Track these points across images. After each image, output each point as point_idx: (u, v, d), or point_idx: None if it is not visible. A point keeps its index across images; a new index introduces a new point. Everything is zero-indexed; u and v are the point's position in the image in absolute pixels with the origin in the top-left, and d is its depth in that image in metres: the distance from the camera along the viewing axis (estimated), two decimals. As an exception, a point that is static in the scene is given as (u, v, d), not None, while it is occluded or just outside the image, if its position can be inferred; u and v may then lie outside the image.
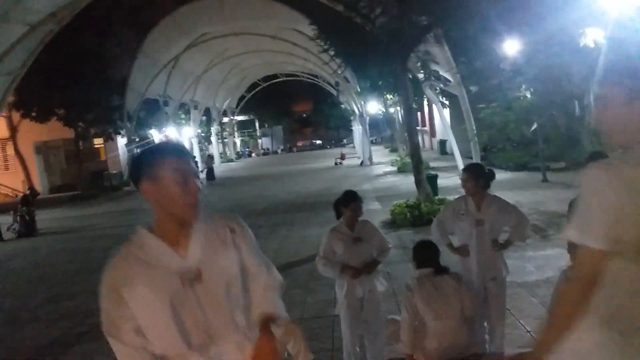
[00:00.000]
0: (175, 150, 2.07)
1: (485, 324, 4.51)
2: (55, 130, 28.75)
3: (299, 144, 65.48)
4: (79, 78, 24.50)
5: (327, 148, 57.38)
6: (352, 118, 39.50)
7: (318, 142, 64.12)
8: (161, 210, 2.04)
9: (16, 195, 32.14)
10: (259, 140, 65.46)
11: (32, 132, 30.64)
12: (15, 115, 29.70)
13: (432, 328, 3.79)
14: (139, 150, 2.16)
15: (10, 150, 33.18)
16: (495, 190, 4.79)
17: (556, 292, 3.75)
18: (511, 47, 13.70)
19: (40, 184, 32.04)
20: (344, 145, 53.23)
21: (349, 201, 4.61)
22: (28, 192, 17.73)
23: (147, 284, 1.99)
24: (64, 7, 17.66)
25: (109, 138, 30.24)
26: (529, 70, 14.16)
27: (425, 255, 4.05)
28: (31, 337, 6.82)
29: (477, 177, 4.47)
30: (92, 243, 13.95)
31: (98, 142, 33.78)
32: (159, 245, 2.04)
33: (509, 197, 4.70)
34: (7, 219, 16.73)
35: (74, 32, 22.48)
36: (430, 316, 3.78)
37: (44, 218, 16.43)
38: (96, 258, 11.77)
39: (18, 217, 16.44)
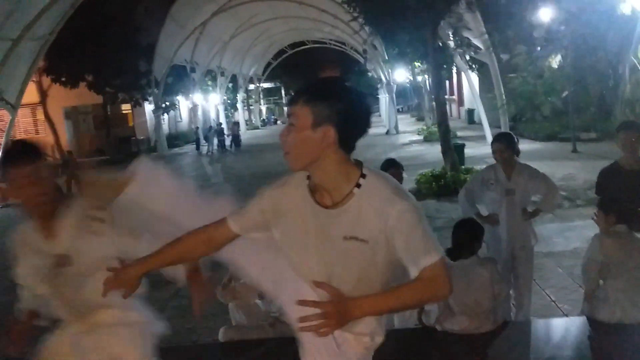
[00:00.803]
0: (17, 157, 2.24)
1: (511, 292, 4.50)
2: (84, 96, 29.05)
3: None
4: (107, 44, 24.62)
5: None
6: (378, 86, 39.10)
7: None
8: (25, 206, 2.34)
9: (46, 159, 32.78)
10: (285, 108, 65.41)
11: (61, 98, 31.02)
12: (45, 81, 30.07)
13: (457, 316, 3.70)
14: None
15: (40, 115, 33.70)
16: (524, 161, 4.72)
17: (586, 261, 3.71)
18: (545, 14, 13.33)
19: (69, 149, 32.60)
20: (370, 114, 52.83)
21: (386, 168, 4.54)
22: (67, 155, 18.05)
23: (26, 264, 2.37)
24: (93, -28, 17.65)
25: (137, 104, 30.46)
26: (563, 38, 13.78)
27: (463, 236, 3.79)
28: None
29: (509, 145, 4.39)
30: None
31: (126, 107, 34.05)
32: (32, 232, 2.37)
33: (538, 167, 4.61)
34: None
35: (103, -3, 22.57)
36: (458, 308, 3.67)
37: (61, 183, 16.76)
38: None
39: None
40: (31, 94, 29.74)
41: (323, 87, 1.88)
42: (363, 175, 1.92)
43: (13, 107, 19.80)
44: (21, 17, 17.18)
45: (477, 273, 3.68)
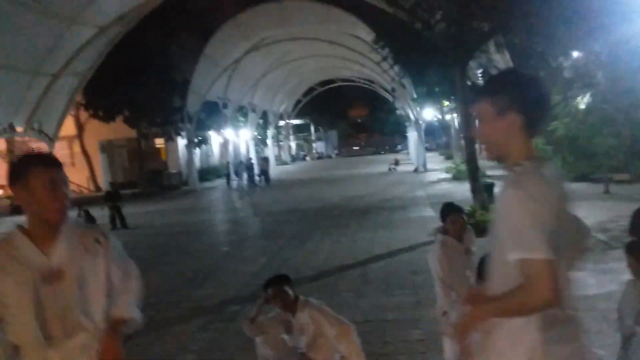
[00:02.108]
0: (44, 160, 2.28)
1: None
2: (119, 130, 29.83)
3: (344, 150, 66.02)
4: (143, 80, 25.39)
5: (380, 154, 57.16)
6: (407, 124, 39.22)
7: (368, 148, 64.24)
8: (32, 214, 2.25)
9: (81, 191, 33.52)
10: (314, 144, 65.85)
11: (97, 131, 31.92)
12: (82, 114, 30.99)
13: None
14: (14, 160, 2.36)
15: (76, 148, 34.62)
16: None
17: (620, 306, 3.64)
18: (577, 57, 13.34)
19: (103, 181, 33.28)
20: (398, 151, 52.89)
21: (445, 215, 4.46)
22: (110, 188, 18.21)
23: (13, 277, 2.20)
24: (132, 10, 18.35)
25: (170, 138, 31.12)
26: (601, 80, 13.70)
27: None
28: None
29: None
30: (150, 239, 14.42)
31: (159, 142, 34.81)
32: (27, 243, 2.24)
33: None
34: (72, 214, 17.39)
35: (140, 35, 23.32)
36: None
37: (104, 214, 17.04)
38: (153, 254, 12.19)
39: (82, 212, 17.10)
40: (68, 127, 30.67)
41: (497, 79, 2.09)
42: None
43: (51, 140, 20.40)
44: (61, 53, 17.87)
45: None
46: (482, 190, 12.91)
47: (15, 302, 2.22)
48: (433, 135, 46.32)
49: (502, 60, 14.33)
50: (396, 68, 16.67)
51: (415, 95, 27.62)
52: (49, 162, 2.27)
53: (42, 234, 2.27)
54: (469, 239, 4.51)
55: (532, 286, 1.79)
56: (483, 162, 13.48)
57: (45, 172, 2.22)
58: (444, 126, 34.37)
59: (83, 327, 2.30)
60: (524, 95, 1.91)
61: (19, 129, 18.90)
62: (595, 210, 12.31)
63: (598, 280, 7.18)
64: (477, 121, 2.04)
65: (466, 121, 14.00)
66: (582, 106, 15.55)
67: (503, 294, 1.90)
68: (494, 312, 1.96)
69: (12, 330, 2.25)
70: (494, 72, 14.22)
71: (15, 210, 23.17)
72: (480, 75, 14.70)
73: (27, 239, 2.25)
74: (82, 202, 18.69)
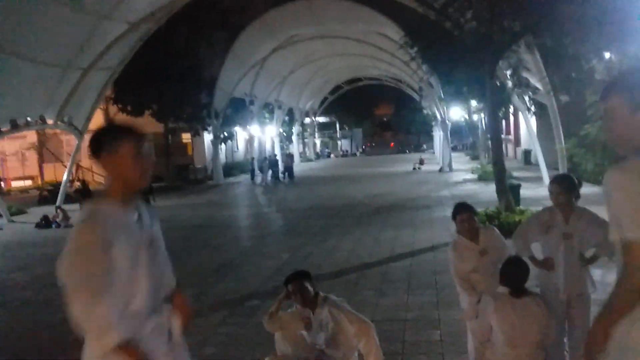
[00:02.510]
0: (132, 131, 2.42)
1: (565, 340, 4.33)
2: (146, 124, 30.06)
3: (368, 148, 65.88)
4: (171, 76, 25.67)
5: (406, 152, 56.85)
6: (433, 123, 38.95)
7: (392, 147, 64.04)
8: (117, 181, 2.34)
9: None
10: (339, 142, 65.81)
11: (125, 125, 32.38)
12: (111, 108, 31.47)
13: (502, 351, 3.59)
14: (97, 130, 2.48)
15: (105, 142, 35.16)
16: (582, 205, 4.59)
17: None
18: (610, 58, 13.05)
19: (130, 174, 33.77)
20: (423, 151, 52.56)
21: (454, 215, 4.56)
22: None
23: (123, 247, 2.30)
24: (162, 8, 18.54)
25: (196, 134, 31.41)
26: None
27: (511, 274, 3.74)
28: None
29: (569, 189, 4.27)
30: (175, 232, 14.54)
31: (186, 137, 35.16)
32: (124, 214, 2.37)
33: (597, 212, 4.49)
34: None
35: (169, 32, 23.59)
36: (503, 342, 3.57)
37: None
38: (177, 247, 12.31)
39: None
40: (98, 120, 31.08)
41: (632, 75, 2.05)
42: None
43: (80, 133, 20.77)
44: (92, 49, 18.16)
45: (524, 304, 3.61)
46: (508, 192, 12.75)
47: (129, 269, 2.33)
48: (459, 135, 45.92)
49: (532, 61, 14.10)
50: (424, 67, 16.51)
51: (442, 95, 27.40)
52: (137, 133, 2.43)
53: (122, 201, 2.39)
54: (487, 239, 4.50)
55: (632, 267, 1.86)
56: (510, 163, 13.32)
57: (134, 141, 2.36)
58: (470, 126, 34.01)
59: (171, 287, 2.61)
60: None
61: (50, 121, 19.28)
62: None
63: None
64: (606, 118, 1.99)
65: (494, 122, 13.84)
66: None
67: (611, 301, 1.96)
68: (609, 323, 1.96)
69: (129, 298, 2.37)
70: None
71: (44, 200, 23.69)
72: (509, 75, 14.48)
73: (122, 208, 2.38)
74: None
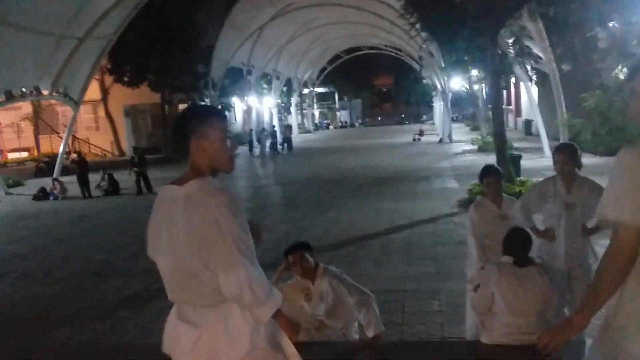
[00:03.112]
0: (220, 113, 2.39)
1: (565, 311, 4.30)
2: (143, 95, 29.92)
3: (368, 119, 65.64)
4: (168, 45, 25.29)
5: (405, 123, 56.60)
6: (433, 94, 38.65)
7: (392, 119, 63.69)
8: (204, 164, 2.26)
9: (105, 156, 33.91)
10: (338, 113, 65.42)
11: (121, 96, 32.07)
12: (107, 79, 31.14)
13: (504, 320, 3.56)
14: (184, 112, 2.40)
15: (101, 112, 34.92)
16: (584, 175, 4.51)
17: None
18: (613, 27, 12.84)
19: (127, 146, 33.62)
20: (423, 122, 52.29)
21: (482, 177, 4.52)
22: (138, 151, 17.54)
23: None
24: (157, -26, 18.14)
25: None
26: (636, 50, 13.18)
27: (515, 244, 3.69)
28: (114, 290, 7.19)
29: (572, 157, 4.19)
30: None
31: (183, 107, 34.81)
32: None
33: (598, 183, 4.41)
34: (96, 177, 17.49)
35: (165, 1, 23.18)
36: (505, 310, 3.55)
37: (127, 178, 17.18)
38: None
39: (106, 176, 17.25)
40: (93, 91, 30.93)
41: None
42: None
43: (76, 104, 20.57)
44: (86, 17, 17.85)
45: (527, 274, 3.57)
46: (509, 163, 12.66)
47: None
48: (460, 105, 45.60)
49: (535, 29, 13.88)
50: (424, 35, 16.25)
51: (443, 64, 27.09)
52: (223, 114, 2.40)
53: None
54: (507, 206, 4.48)
55: (611, 248, 1.85)
56: (510, 134, 13.21)
57: (221, 123, 2.30)
58: (471, 97, 33.75)
59: None
60: None
61: (45, 92, 19.05)
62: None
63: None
64: (632, 98, 1.92)
65: (495, 92, 13.67)
66: (621, 76, 15.05)
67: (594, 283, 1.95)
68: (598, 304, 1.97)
69: None
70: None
71: (40, 172, 23.59)
72: (511, 44, 14.27)
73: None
74: (106, 166, 18.88)
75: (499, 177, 4.55)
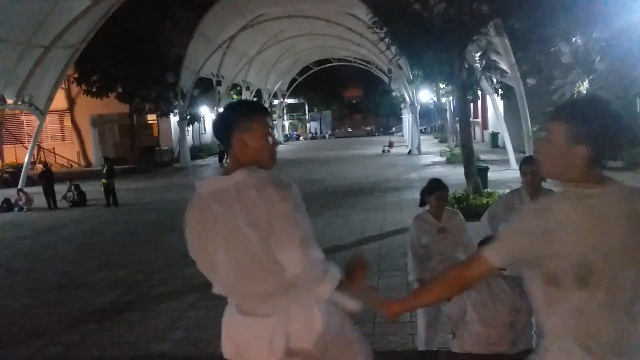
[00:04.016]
0: (264, 109, 2.39)
1: (533, 320, 4.39)
2: (110, 105, 29.50)
3: (338, 130, 66.02)
4: (136, 55, 25.05)
5: (375, 135, 57.04)
6: (402, 106, 39.07)
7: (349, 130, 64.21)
8: (246, 158, 2.22)
9: (71, 166, 33.30)
10: (308, 124, 65.56)
11: (88, 106, 31.57)
12: (74, 88, 30.64)
13: (475, 330, 3.61)
14: (229, 107, 2.41)
15: (67, 122, 34.32)
16: (547, 187, 4.64)
17: None
18: (576, 42, 13.23)
19: (94, 156, 33.08)
20: (392, 133, 52.78)
21: (433, 190, 4.55)
22: (107, 162, 17.09)
23: None
24: (126, -17, 18.01)
25: (163, 115, 30.83)
26: (600, 67, 13.60)
27: None
28: (81, 302, 7.06)
29: (538, 169, 4.32)
30: (142, 216, 14.33)
31: (151, 118, 34.51)
32: None
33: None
34: (62, 188, 17.17)
35: (134, 9, 22.96)
36: (476, 321, 3.59)
37: (96, 189, 16.91)
38: (144, 230, 12.12)
39: (72, 187, 16.95)
40: (59, 100, 30.43)
41: (582, 107, 1.91)
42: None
43: (42, 113, 20.18)
44: (53, 26, 17.57)
45: (498, 286, 3.61)
46: (476, 175, 12.89)
47: None
48: (428, 118, 46.22)
49: (501, 44, 14.20)
50: (393, 49, 16.47)
51: (411, 77, 27.46)
52: (267, 111, 2.40)
53: None
54: (448, 219, 4.58)
55: (461, 272, 1.96)
56: (477, 146, 13.45)
57: (265, 119, 2.28)
58: (439, 109, 34.25)
59: None
60: (595, 129, 1.79)
61: (10, 101, 18.65)
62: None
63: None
64: (544, 142, 1.90)
65: (462, 105, 13.93)
66: (583, 91, 15.48)
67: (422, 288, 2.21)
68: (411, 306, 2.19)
69: None
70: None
71: (4, 182, 23.04)
72: (478, 58, 14.58)
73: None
74: (73, 177, 18.54)
75: (447, 191, 4.68)
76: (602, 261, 1.72)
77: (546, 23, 12.06)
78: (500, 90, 18.52)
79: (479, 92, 27.28)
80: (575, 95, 15.63)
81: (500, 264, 1.90)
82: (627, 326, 1.80)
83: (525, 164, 4.45)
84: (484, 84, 17.26)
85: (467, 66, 14.57)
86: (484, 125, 33.66)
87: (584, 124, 1.79)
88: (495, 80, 17.03)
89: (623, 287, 1.76)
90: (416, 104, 30.26)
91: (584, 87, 14.87)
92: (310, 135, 61.64)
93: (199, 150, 34.88)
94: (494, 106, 19.26)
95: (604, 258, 1.72)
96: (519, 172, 4.58)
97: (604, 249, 1.72)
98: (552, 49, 13.63)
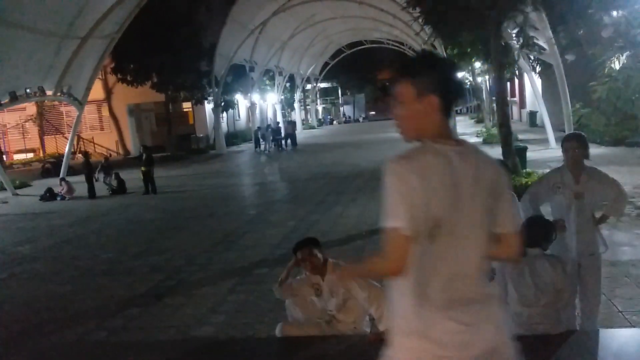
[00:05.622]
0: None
1: (577, 301, 4.30)
2: (146, 94, 29.93)
3: (371, 113, 65.42)
4: (171, 43, 25.29)
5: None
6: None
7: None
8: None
9: (110, 155, 34.01)
10: (341, 108, 65.34)
11: (125, 95, 32.09)
12: (110, 78, 31.16)
13: (516, 311, 3.56)
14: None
15: (105, 112, 34.98)
16: (590, 165, 4.51)
17: None
18: (617, 15, 12.78)
19: (132, 145, 33.69)
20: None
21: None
22: (145, 150, 17.34)
23: None
24: (159, -28, 18.13)
25: (198, 102, 31.14)
26: (634, 38, 13.15)
27: (537, 233, 3.62)
28: (124, 288, 7.23)
29: (583, 146, 4.19)
30: (180, 202, 14.56)
31: (186, 106, 34.91)
32: None
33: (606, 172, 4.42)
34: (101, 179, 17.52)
35: (167, -2, 23.18)
36: (517, 301, 3.56)
37: (136, 177, 17.23)
38: (183, 216, 12.31)
39: (114, 175, 17.30)
40: (97, 91, 31.01)
41: (420, 61, 2.01)
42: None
43: (80, 103, 20.61)
44: (89, 16, 17.86)
45: (541, 266, 3.56)
46: (514, 154, 12.63)
47: None
48: (463, 98, 45.47)
49: (538, 19, 13.80)
50: (427, 29, 16.17)
51: (446, 57, 27.00)
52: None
53: None
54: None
55: (384, 254, 1.84)
56: (515, 126, 13.16)
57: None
58: (474, 89, 33.62)
59: None
60: (442, 77, 1.93)
61: (49, 92, 19.08)
62: (632, 176, 11.97)
63: (632, 247, 7.01)
64: (394, 103, 1.99)
65: (499, 83, 13.62)
66: (617, 66, 15.00)
67: (367, 259, 2.05)
68: (358, 272, 2.19)
69: None
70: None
71: (46, 172, 23.68)
72: (515, 35, 14.21)
73: None
74: (113, 165, 18.88)
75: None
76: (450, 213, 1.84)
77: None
78: (538, 67, 18.06)
79: (516, 70, 26.68)
80: (612, 69, 15.18)
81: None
82: (470, 277, 1.91)
83: (567, 141, 4.32)
84: (522, 61, 16.85)
85: (503, 44, 14.23)
86: (522, 104, 32.95)
87: (428, 75, 1.90)
88: (532, 58, 16.60)
89: (464, 238, 1.87)
90: (451, 85, 29.76)
91: (620, 61, 14.40)
92: (344, 119, 61.43)
93: (234, 137, 35.13)
94: (532, 84, 18.81)
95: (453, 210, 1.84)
96: (560, 150, 4.45)
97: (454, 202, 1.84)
98: (592, 23, 13.19)
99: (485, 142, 22.01)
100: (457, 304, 1.88)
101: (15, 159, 33.49)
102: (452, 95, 1.99)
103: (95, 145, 34.20)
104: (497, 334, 1.93)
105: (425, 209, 1.80)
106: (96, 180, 17.05)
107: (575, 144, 4.19)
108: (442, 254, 1.86)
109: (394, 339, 1.95)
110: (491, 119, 25.54)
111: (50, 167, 24.27)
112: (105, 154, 20.63)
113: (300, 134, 38.16)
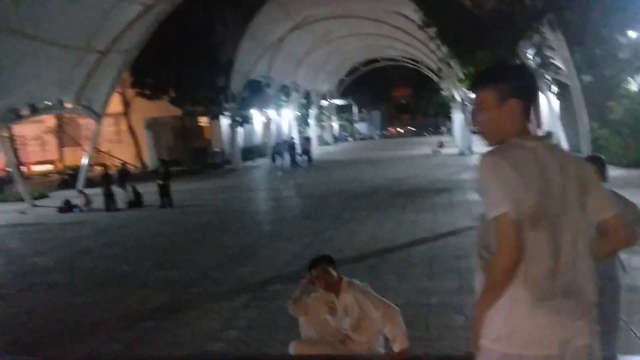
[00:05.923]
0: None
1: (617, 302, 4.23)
2: (164, 108, 30.24)
3: (387, 131, 65.41)
4: (188, 59, 25.60)
5: (424, 135, 56.43)
6: (452, 105, 38.53)
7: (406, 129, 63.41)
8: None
9: (126, 165, 34.27)
10: (356, 125, 65.44)
11: (143, 109, 32.45)
12: (128, 92, 31.55)
13: None
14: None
15: (123, 125, 35.35)
16: (608, 188, 4.47)
17: None
18: (635, 37, 12.74)
19: (149, 158, 33.96)
20: (441, 133, 52.08)
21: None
22: (162, 164, 17.55)
23: None
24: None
25: (214, 117, 31.39)
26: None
27: None
28: (139, 301, 7.27)
29: (601, 168, 4.16)
30: (196, 217, 14.63)
31: (203, 120, 35.17)
32: None
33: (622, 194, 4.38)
34: (118, 190, 17.67)
35: (185, 13, 23.48)
36: None
37: (152, 190, 17.37)
38: (198, 231, 12.37)
39: (131, 188, 17.43)
40: (115, 104, 31.34)
41: (499, 70, 2.29)
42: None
43: (98, 116, 20.89)
44: (108, 31, 18.18)
45: None
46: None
47: None
48: (539, 102, 45.23)
49: (555, 39, 13.80)
50: (443, 48, 16.25)
51: (462, 76, 27.02)
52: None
53: None
54: None
55: (498, 249, 1.93)
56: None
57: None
58: (490, 108, 33.51)
59: None
60: (520, 84, 2.11)
61: (68, 105, 19.38)
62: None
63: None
64: (476, 109, 2.15)
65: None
66: (634, 87, 14.90)
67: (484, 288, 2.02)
68: (490, 299, 2.01)
69: None
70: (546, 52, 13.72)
71: (64, 184, 23.94)
72: (532, 55, 14.22)
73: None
74: (130, 179, 19.03)
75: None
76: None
77: (602, 16, 11.67)
78: (554, 87, 18.00)
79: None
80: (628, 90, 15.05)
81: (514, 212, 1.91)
82: (571, 268, 1.96)
83: (589, 162, 4.28)
84: (538, 81, 16.80)
85: (519, 63, 14.24)
86: (538, 124, 32.71)
87: (508, 81, 2.07)
88: (550, 78, 16.56)
89: (563, 230, 1.95)
90: (467, 103, 29.77)
91: (637, 82, 14.31)
92: (359, 136, 61.50)
93: (249, 152, 35.30)
94: (549, 104, 18.73)
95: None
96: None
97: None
98: (608, 44, 13.15)
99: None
100: (558, 295, 1.94)
101: (33, 170, 33.91)
102: (530, 98, 2.14)
103: (112, 158, 34.52)
104: (592, 331, 2.00)
105: (524, 194, 1.92)
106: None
107: (594, 166, 4.16)
108: (544, 241, 1.94)
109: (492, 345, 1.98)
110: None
111: (68, 178, 24.55)
112: (122, 163, 20.81)
113: (316, 150, 38.25)
